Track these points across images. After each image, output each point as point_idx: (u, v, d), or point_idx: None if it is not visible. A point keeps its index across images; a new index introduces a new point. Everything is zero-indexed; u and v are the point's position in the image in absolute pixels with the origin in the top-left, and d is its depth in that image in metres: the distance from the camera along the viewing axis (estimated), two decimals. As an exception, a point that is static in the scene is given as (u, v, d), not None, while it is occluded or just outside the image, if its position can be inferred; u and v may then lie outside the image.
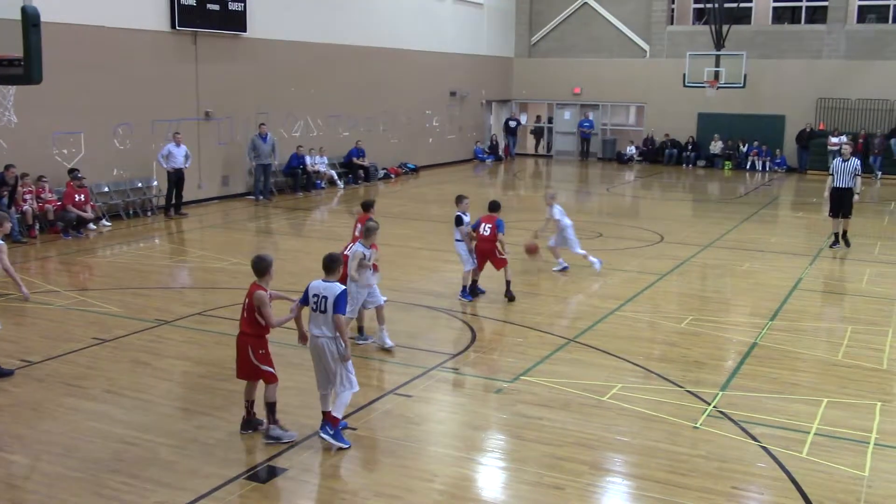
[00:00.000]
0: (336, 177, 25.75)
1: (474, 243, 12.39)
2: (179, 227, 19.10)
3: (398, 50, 28.60)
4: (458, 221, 12.43)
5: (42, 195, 17.42)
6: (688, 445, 7.78)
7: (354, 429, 7.93)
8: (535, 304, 12.62)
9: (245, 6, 22.09)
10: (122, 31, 19.11)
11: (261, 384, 7.76)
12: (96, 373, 9.36)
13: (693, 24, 34.63)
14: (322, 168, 25.36)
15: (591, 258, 14.37)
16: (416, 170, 30.03)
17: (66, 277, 14.51)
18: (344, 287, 7.57)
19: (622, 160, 34.73)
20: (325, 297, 7.44)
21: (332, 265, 7.63)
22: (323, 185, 25.22)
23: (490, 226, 12.26)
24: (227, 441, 7.71)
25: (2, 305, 12.14)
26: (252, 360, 7.58)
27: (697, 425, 8.22)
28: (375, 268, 10.16)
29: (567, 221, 14.36)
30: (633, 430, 8.12)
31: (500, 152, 35.28)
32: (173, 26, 20.39)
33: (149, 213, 20.01)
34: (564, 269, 14.48)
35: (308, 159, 24.69)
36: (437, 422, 8.46)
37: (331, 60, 25.48)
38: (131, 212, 19.75)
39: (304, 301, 7.57)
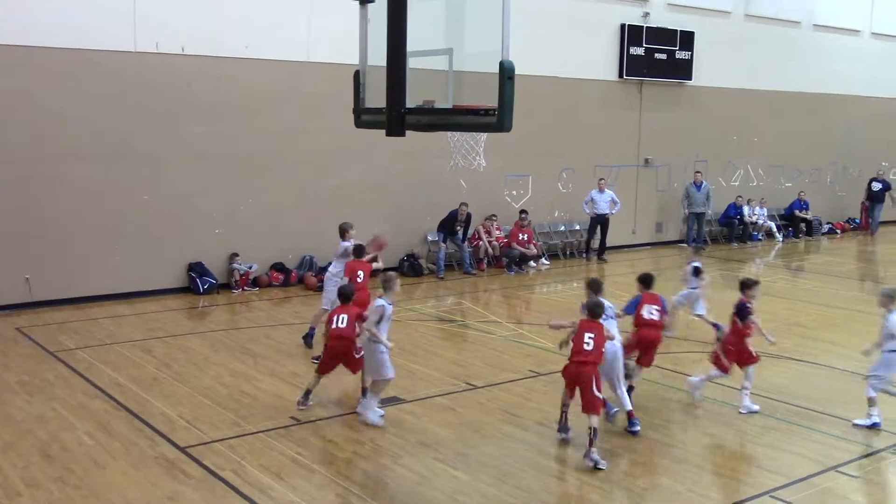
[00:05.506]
0: (775, 229, 24.56)
1: None
2: (612, 270, 19.50)
3: (856, 97, 26.54)
4: None
5: (491, 232, 18.94)
6: None
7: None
8: None
9: (692, 55, 22.09)
10: (573, 80, 20.18)
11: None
12: (531, 404, 9.83)
13: None
14: (761, 219, 24.35)
15: None
16: (865, 226, 27.52)
17: (506, 309, 15.59)
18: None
19: None
20: None
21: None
22: (760, 237, 24.21)
23: None
24: (651, 491, 7.60)
25: (449, 330, 13.41)
26: (594, 391, 7.95)
27: None
28: None
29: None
30: None
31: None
32: (621, 76, 21.08)
33: (583, 255, 20.78)
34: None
35: (746, 209, 23.86)
36: (885, 511, 7.56)
37: (779, 108, 24.43)
38: (568, 252, 20.69)
39: None
